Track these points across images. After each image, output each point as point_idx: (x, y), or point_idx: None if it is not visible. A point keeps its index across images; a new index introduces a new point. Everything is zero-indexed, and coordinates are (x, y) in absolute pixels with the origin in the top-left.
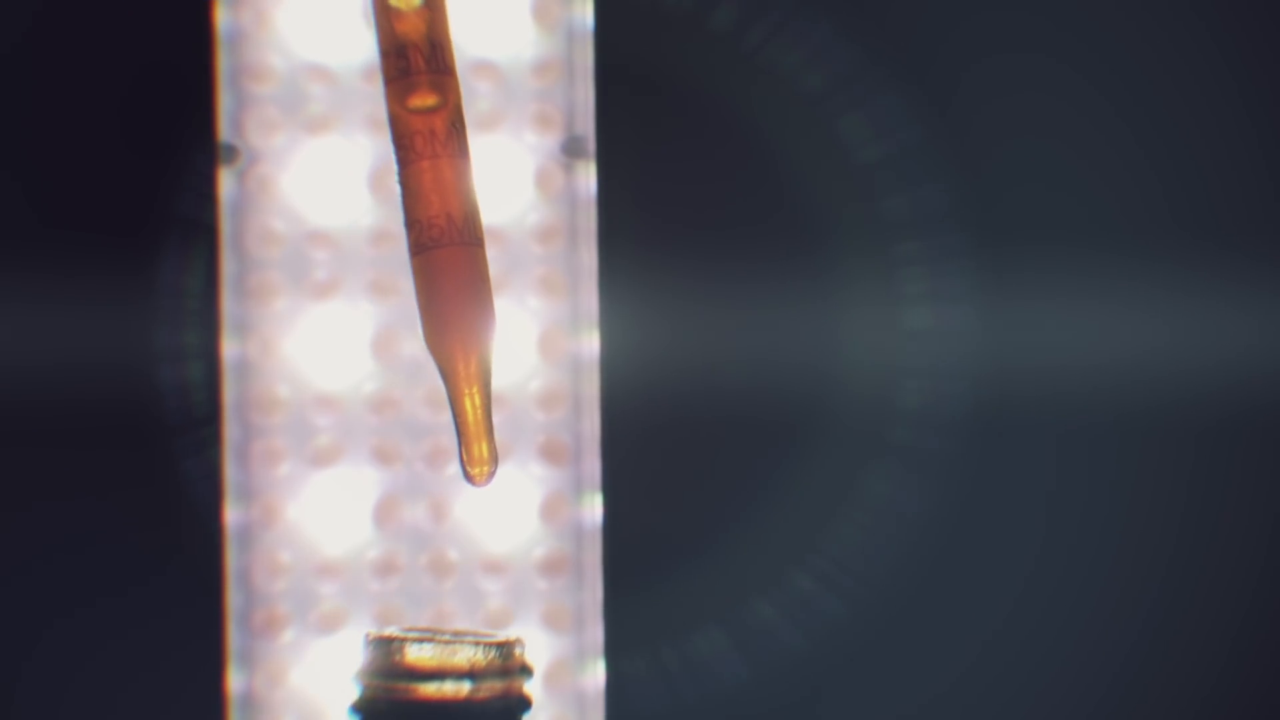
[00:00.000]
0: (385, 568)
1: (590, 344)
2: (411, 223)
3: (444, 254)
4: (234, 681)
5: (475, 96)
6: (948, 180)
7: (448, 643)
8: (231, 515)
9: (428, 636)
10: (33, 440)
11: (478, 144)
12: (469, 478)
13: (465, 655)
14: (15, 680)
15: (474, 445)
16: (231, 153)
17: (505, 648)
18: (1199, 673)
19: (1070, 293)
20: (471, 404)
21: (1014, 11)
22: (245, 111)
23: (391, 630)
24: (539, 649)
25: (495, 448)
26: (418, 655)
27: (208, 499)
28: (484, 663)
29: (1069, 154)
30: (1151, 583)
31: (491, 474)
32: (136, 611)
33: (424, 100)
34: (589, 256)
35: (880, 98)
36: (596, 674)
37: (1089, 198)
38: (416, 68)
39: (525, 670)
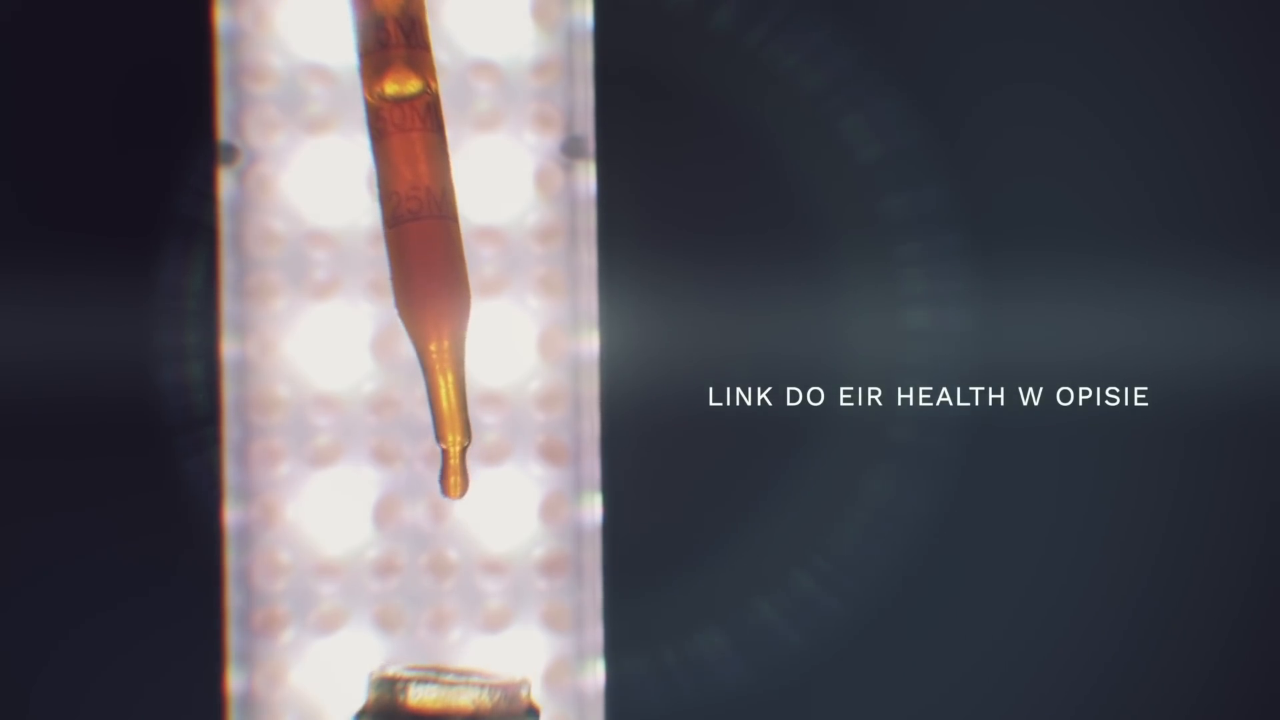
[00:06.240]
0: (385, 568)
1: (590, 344)
2: (387, 195)
3: (420, 227)
4: (234, 681)
5: (475, 96)
6: (948, 181)
7: (452, 683)
8: (231, 515)
9: (431, 677)
10: (33, 440)
11: (478, 144)
12: (444, 470)
13: (470, 696)
14: (17, 679)
15: (445, 417)
16: (231, 153)
17: (511, 689)
18: (1195, 670)
19: (1069, 293)
20: (445, 385)
21: (1014, 15)
22: (245, 111)
23: (395, 669)
24: (539, 649)
25: (468, 420)
26: (421, 696)
27: (208, 499)
28: (489, 704)
29: (1069, 157)
30: (1149, 580)
31: (464, 457)
32: (137, 611)
33: (400, 84)
34: (589, 256)
35: (880, 98)
36: (596, 674)
37: (1088, 200)
38: (395, 41)
39: (532, 712)
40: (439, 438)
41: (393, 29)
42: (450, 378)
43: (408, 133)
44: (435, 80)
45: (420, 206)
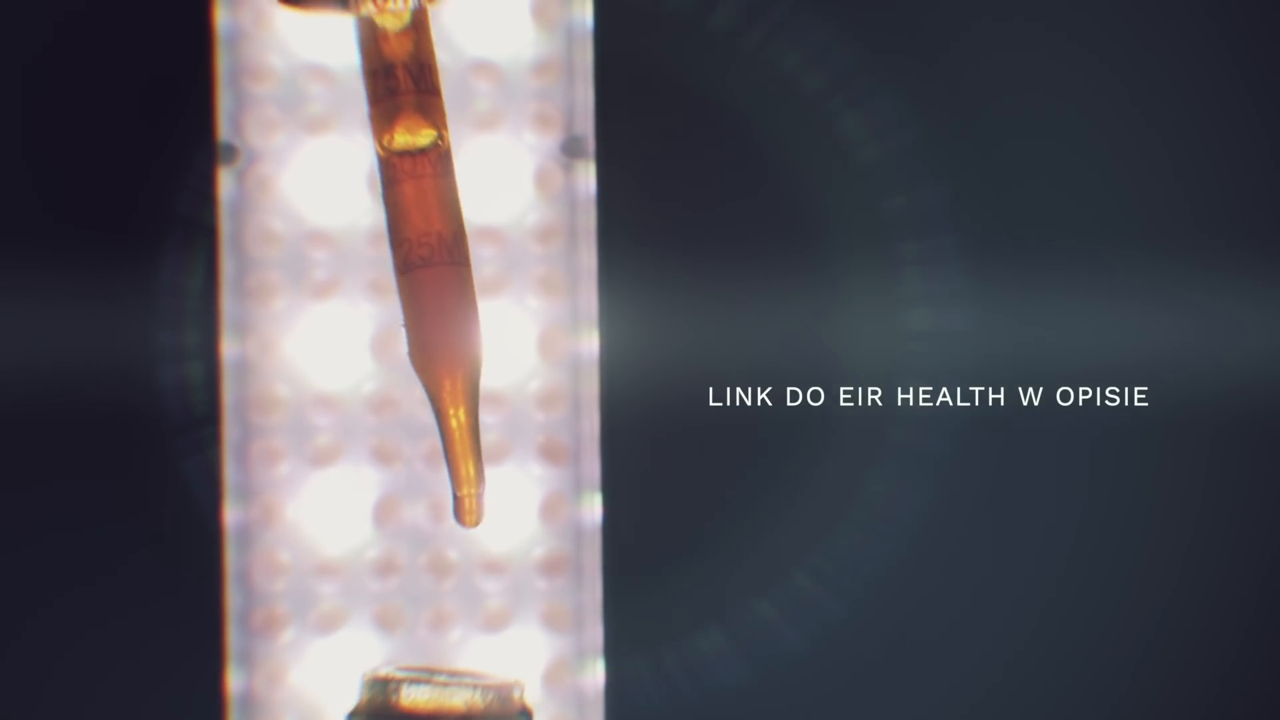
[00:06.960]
0: (385, 567)
1: (590, 344)
2: (399, 241)
3: (432, 273)
4: (234, 681)
5: (475, 96)
6: (948, 180)
7: (444, 684)
8: (231, 515)
9: (424, 677)
10: (32, 440)
11: (478, 144)
12: (457, 508)
13: (462, 697)
14: (15, 679)
15: (460, 464)
16: (231, 153)
17: (503, 690)
18: (1195, 670)
19: (1069, 293)
20: (457, 423)
21: (1018, 9)
22: (245, 111)
23: (388, 670)
24: (539, 649)
25: (482, 466)
26: (413, 697)
27: (208, 499)
28: (481, 705)
29: (1069, 156)
30: (1150, 580)
31: (480, 498)
32: (136, 611)
33: (411, 132)
34: (589, 256)
35: (880, 98)
36: (596, 674)
37: (1088, 199)
38: (405, 87)
39: (524, 714)
40: (454, 484)
41: (403, 75)
42: (464, 420)
43: (419, 179)
44: (446, 129)
45: (431, 253)
